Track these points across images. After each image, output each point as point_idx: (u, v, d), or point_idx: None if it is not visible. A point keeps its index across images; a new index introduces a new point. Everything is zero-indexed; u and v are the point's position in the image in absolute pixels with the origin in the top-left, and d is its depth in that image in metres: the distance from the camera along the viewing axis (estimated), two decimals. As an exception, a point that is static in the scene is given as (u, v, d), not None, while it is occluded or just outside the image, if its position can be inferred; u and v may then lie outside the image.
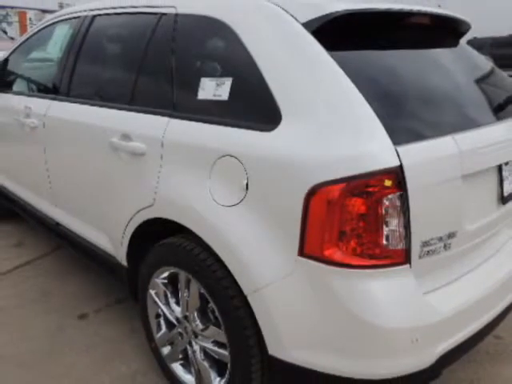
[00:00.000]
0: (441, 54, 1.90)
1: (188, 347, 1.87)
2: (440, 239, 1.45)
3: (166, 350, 1.98)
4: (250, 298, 1.50)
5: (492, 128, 1.65)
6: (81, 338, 2.34)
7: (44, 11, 18.42)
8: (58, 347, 2.27)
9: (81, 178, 2.32)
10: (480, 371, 2.10)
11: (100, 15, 2.40)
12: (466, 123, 1.58)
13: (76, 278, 2.92)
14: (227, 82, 1.63)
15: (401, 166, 1.31)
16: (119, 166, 2.00)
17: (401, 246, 1.36)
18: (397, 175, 1.31)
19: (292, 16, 1.57)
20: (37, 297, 2.70)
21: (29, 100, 2.75)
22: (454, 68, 1.85)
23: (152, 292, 1.95)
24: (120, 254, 2.11)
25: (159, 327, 1.99)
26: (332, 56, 1.46)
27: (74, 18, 2.59)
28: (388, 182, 1.30)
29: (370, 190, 1.30)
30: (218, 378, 1.76)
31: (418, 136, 1.41)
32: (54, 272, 2.99)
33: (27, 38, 3.09)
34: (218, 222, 1.55)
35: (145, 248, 1.95)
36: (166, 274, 1.87)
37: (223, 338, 1.65)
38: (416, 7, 1.78)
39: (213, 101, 1.67)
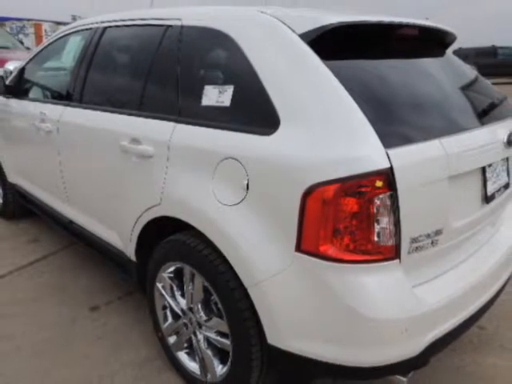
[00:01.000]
0: (429, 63, 1.90)
1: (192, 337, 1.87)
2: (428, 236, 1.45)
3: (172, 339, 1.98)
4: (250, 291, 1.50)
5: (476, 132, 1.64)
6: (92, 328, 2.34)
7: (58, 23, 18.42)
8: (71, 337, 2.27)
9: (92, 179, 2.32)
10: (465, 359, 2.10)
11: (110, 27, 2.40)
12: (452, 128, 1.58)
13: (88, 272, 2.92)
14: (229, 90, 1.63)
15: (391, 168, 1.31)
16: (128, 168, 2.00)
17: (391, 242, 1.36)
18: (387, 176, 1.31)
19: (290, 28, 1.57)
20: (52, 290, 2.70)
21: (44, 106, 2.75)
22: (440, 76, 1.85)
23: (159, 285, 1.95)
24: (129, 249, 2.11)
25: (166, 318, 1.99)
26: (327, 65, 1.46)
27: (86, 29, 2.59)
28: (379, 183, 1.31)
29: (363, 190, 1.30)
30: (221, 366, 1.77)
31: (407, 140, 1.41)
32: (67, 267, 3.00)
33: (42, 48, 3.09)
34: (220, 220, 1.55)
35: (152, 244, 1.95)
36: (171, 269, 1.87)
37: (225, 329, 1.65)
38: (405, 19, 1.78)
39: (216, 107, 1.67)
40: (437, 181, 1.44)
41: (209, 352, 1.79)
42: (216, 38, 1.75)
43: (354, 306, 1.34)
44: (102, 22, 2.47)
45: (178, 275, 1.87)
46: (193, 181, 1.68)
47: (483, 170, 1.70)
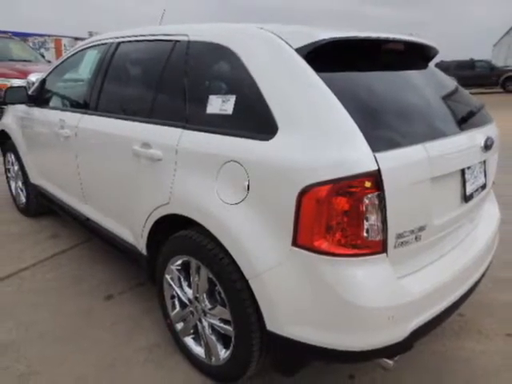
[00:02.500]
0: (413, 75, 1.90)
1: (198, 323, 1.87)
2: (412, 232, 1.45)
3: (179, 326, 1.98)
4: (250, 282, 1.50)
5: (456, 138, 1.64)
6: (106, 316, 2.34)
7: (76, 38, 18.46)
8: (88, 324, 2.27)
9: (107, 180, 2.32)
10: (446, 344, 2.10)
11: (124, 42, 2.40)
12: (435, 133, 1.58)
13: (103, 265, 2.92)
14: (231, 99, 1.63)
15: (379, 170, 1.31)
16: (140, 170, 2.00)
17: (379, 237, 1.36)
18: (375, 178, 1.31)
19: (286, 43, 1.57)
20: (70, 281, 2.70)
21: (63, 114, 2.75)
22: (424, 86, 1.85)
23: (168, 277, 1.95)
24: (140, 244, 2.11)
25: (174, 306, 1.99)
26: (320, 76, 1.46)
27: (102, 44, 2.59)
28: (368, 184, 1.30)
29: (353, 190, 1.30)
30: (224, 350, 1.76)
31: (393, 144, 1.40)
32: (84, 260, 3.00)
33: (62, 61, 3.09)
34: (223, 218, 1.55)
35: (161, 239, 1.95)
36: (179, 262, 1.87)
37: (228, 316, 1.65)
38: (391, 35, 1.78)
39: (219, 115, 1.67)
40: (420, 182, 1.44)
41: (213, 337, 1.79)
42: (219, 52, 1.75)
43: (345, 295, 1.34)
44: (116, 38, 2.47)
45: (185, 268, 1.87)
46: (198, 182, 1.67)
47: (463, 171, 1.70)
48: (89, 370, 1.93)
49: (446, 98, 1.90)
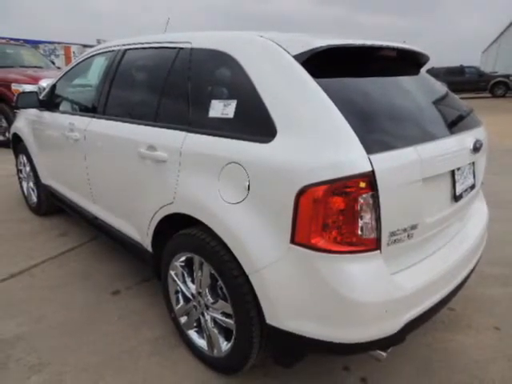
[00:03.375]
0: (405, 80, 1.90)
1: (201, 317, 1.87)
2: (404, 230, 1.45)
3: (183, 319, 1.98)
4: (251, 278, 1.50)
5: (447, 140, 1.64)
6: (114, 310, 2.34)
7: (85, 46, 18.49)
8: (95, 318, 2.27)
9: (114, 181, 2.32)
10: (437, 337, 2.10)
11: (130, 49, 2.40)
12: (426, 136, 1.58)
13: (110, 261, 2.92)
14: (233, 104, 1.63)
15: (373, 171, 1.31)
16: (145, 171, 2.00)
17: (373, 235, 1.36)
18: (370, 178, 1.31)
19: (285, 50, 1.57)
20: (78, 277, 2.70)
21: (72, 117, 2.75)
22: (416, 91, 1.85)
23: (172, 273, 1.95)
24: (146, 242, 2.11)
25: (178, 301, 1.99)
26: (317, 82, 1.47)
27: (109, 51, 2.59)
28: (362, 184, 1.31)
29: (348, 190, 1.31)
30: (225, 342, 1.76)
31: (387, 146, 1.40)
32: (93, 257, 3.00)
33: (71, 68, 3.09)
34: (225, 216, 1.55)
35: (166, 237, 1.95)
36: (183, 258, 1.87)
37: (229, 310, 1.65)
38: (385, 42, 1.78)
39: (221, 118, 1.67)
40: (412, 182, 1.44)
41: (215, 330, 1.79)
42: (221, 59, 1.75)
43: (341, 290, 1.34)
44: (123, 45, 2.47)
45: (189, 264, 1.87)
46: (201, 182, 1.68)
47: (453, 172, 1.70)
48: (96, 362, 1.93)
49: (437, 102, 1.90)
